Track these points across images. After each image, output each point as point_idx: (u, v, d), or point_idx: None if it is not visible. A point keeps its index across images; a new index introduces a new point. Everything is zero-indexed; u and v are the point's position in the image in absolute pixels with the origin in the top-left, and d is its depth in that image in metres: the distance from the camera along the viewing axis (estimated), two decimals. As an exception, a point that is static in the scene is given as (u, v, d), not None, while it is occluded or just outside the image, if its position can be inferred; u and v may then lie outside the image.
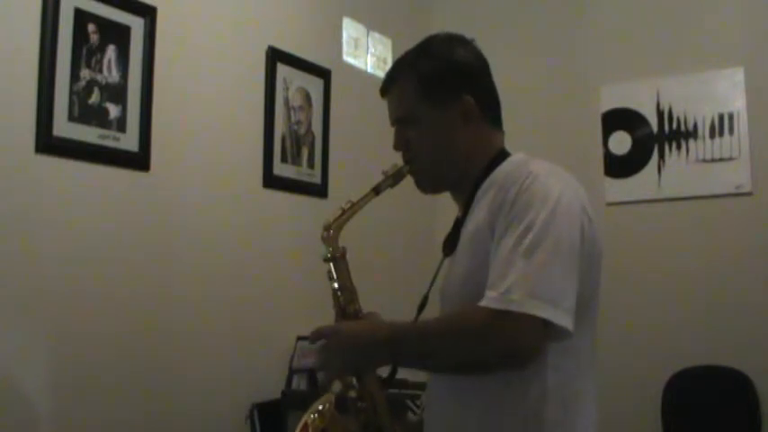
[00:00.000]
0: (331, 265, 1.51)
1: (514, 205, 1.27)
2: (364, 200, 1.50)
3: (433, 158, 1.45)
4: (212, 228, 2.54)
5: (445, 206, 1.68)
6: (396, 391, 1.49)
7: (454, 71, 1.44)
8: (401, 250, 3.34)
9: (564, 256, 1.23)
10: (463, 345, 1.23)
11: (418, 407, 2.44)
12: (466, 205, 1.44)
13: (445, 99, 1.42)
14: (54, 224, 2.08)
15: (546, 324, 1.18)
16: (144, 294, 2.29)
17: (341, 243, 1.52)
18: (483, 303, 1.20)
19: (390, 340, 1.31)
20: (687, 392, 3.01)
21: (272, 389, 2.57)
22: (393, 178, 1.48)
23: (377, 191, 1.49)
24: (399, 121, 1.48)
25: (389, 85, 1.50)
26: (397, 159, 1.51)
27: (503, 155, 1.45)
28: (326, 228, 1.51)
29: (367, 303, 1.52)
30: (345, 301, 1.49)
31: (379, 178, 1.51)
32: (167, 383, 2.34)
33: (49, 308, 2.05)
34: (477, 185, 1.42)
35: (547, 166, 1.35)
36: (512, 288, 1.18)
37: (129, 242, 2.27)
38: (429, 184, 1.51)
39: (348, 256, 1.52)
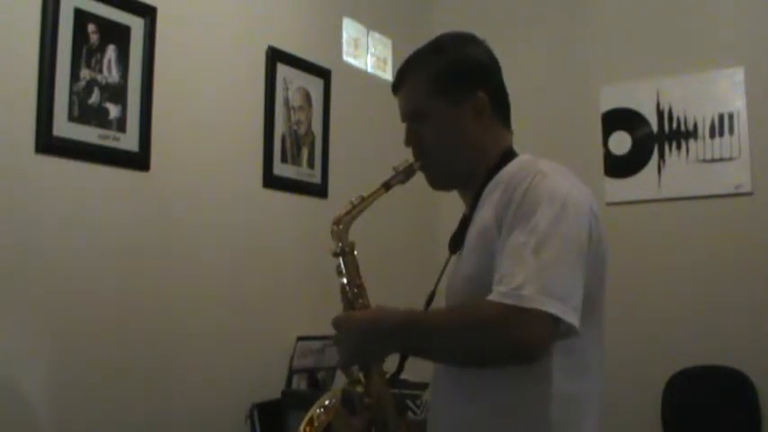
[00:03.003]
0: (340, 259, 1.51)
1: (523, 202, 1.27)
2: (374, 195, 1.50)
3: (446, 154, 1.45)
4: (212, 228, 2.54)
5: (448, 203, 1.69)
6: (396, 391, 1.49)
7: (468, 67, 1.45)
8: (403, 247, 3.34)
9: (572, 254, 1.24)
10: (475, 337, 1.23)
11: (419, 407, 2.44)
12: (473, 203, 1.44)
13: (459, 96, 1.43)
14: (54, 224, 2.08)
15: (556, 320, 1.18)
16: (144, 294, 2.29)
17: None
18: (494, 298, 1.20)
19: (402, 327, 1.31)
20: (687, 392, 3.01)
21: (272, 389, 2.57)
22: (404, 174, 1.48)
23: (387, 186, 1.49)
24: (412, 116, 1.48)
25: (401, 81, 1.50)
26: (398, 159, 1.51)
27: (510, 154, 1.46)
28: (336, 222, 1.51)
29: (372, 300, 1.51)
30: (354, 297, 1.49)
31: (379, 177, 1.51)
32: (167, 383, 2.33)
33: (48, 307, 2.05)
34: (484, 183, 1.42)
35: (554, 166, 1.36)
36: (523, 284, 1.18)
37: (128, 242, 2.27)
38: (440, 181, 1.51)
39: (356, 252, 1.52)
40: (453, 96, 1.43)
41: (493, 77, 1.48)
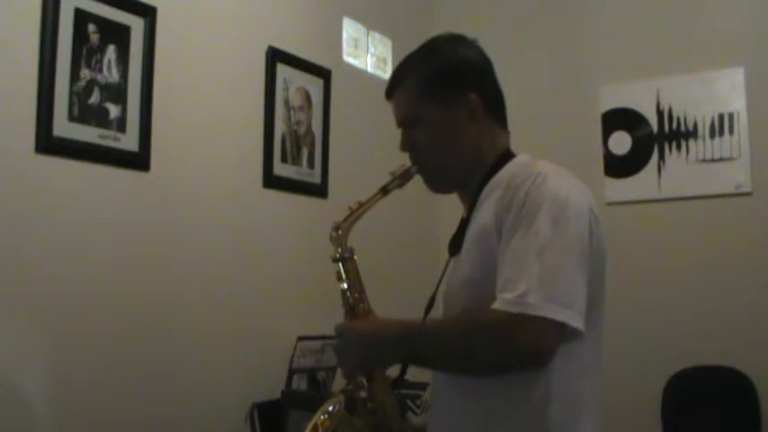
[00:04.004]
0: (340, 265, 1.51)
1: (524, 206, 1.27)
2: (372, 200, 1.50)
3: (441, 158, 1.45)
4: (212, 228, 2.54)
5: (448, 206, 1.69)
6: (396, 391, 1.49)
7: (459, 70, 1.45)
8: (404, 251, 3.34)
9: (575, 257, 1.24)
10: (482, 348, 1.23)
11: (419, 407, 2.44)
12: (471, 205, 1.44)
13: (451, 98, 1.42)
14: (54, 224, 2.08)
15: (562, 326, 1.19)
16: (144, 294, 2.29)
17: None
18: (499, 306, 1.20)
19: (403, 338, 1.32)
20: (687, 392, 3.01)
21: (272, 389, 2.57)
22: (401, 178, 1.49)
23: (385, 191, 1.49)
24: (406, 121, 1.48)
25: (394, 86, 1.50)
26: (398, 159, 1.51)
27: (508, 155, 1.45)
28: (335, 228, 1.52)
29: (372, 304, 1.51)
30: (355, 302, 1.49)
31: (379, 178, 1.51)
32: (167, 383, 2.33)
33: (48, 308, 2.05)
34: (482, 185, 1.42)
35: (553, 167, 1.36)
36: (528, 291, 1.18)
37: (128, 242, 2.26)
38: (438, 184, 1.51)
39: (356, 256, 1.52)
40: (445, 99, 1.43)
41: (484, 78, 1.47)
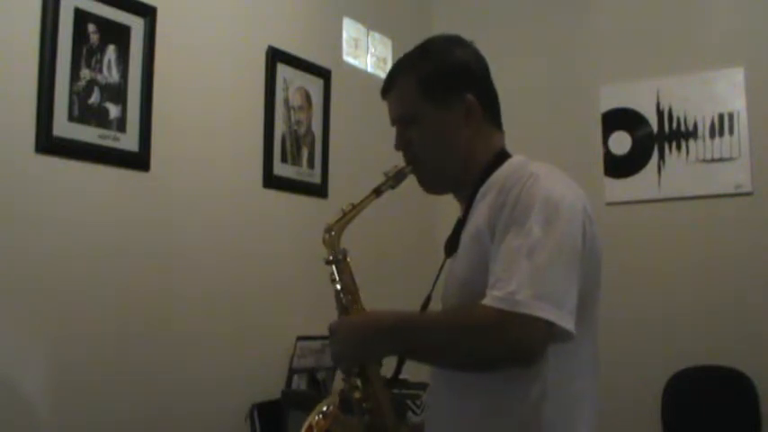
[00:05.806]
0: (333, 267, 1.51)
1: (516, 206, 1.27)
2: (365, 201, 1.50)
3: (436, 158, 1.45)
4: (212, 228, 2.54)
5: (446, 206, 1.69)
6: (396, 391, 1.49)
7: (455, 71, 1.45)
8: (402, 251, 3.34)
9: (566, 257, 1.24)
10: (469, 342, 1.23)
11: (419, 407, 2.44)
12: (467, 206, 1.44)
13: (447, 98, 1.43)
14: (54, 224, 2.08)
15: (550, 325, 1.18)
16: (144, 294, 2.29)
17: (342, 244, 1.52)
18: (488, 302, 1.20)
19: (395, 328, 1.32)
20: (687, 392, 3.01)
21: (272, 389, 2.57)
22: (394, 179, 1.49)
23: (378, 192, 1.49)
24: (400, 120, 1.48)
25: (390, 85, 1.50)
26: (399, 159, 1.51)
27: (503, 156, 1.45)
28: (328, 230, 1.51)
29: (369, 305, 1.51)
30: (348, 303, 1.49)
31: (379, 178, 1.51)
32: (167, 383, 2.33)
33: (48, 308, 2.05)
34: (477, 186, 1.42)
35: (547, 167, 1.36)
36: (517, 289, 1.18)
37: (128, 242, 2.27)
38: (432, 184, 1.51)
39: (349, 258, 1.52)
40: (441, 100, 1.43)
41: (480, 79, 1.48)
